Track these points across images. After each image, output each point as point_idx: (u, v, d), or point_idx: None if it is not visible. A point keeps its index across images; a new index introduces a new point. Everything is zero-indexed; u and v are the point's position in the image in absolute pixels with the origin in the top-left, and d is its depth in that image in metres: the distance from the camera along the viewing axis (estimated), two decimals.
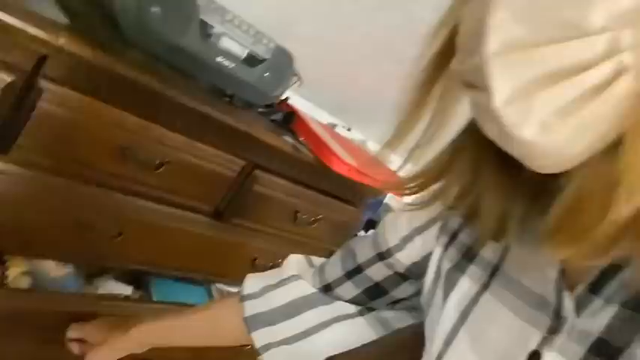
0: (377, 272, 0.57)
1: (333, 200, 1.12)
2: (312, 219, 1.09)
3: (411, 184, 0.45)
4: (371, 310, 0.60)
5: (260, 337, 0.62)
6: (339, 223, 1.17)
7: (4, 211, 0.72)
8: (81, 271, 0.94)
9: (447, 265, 0.48)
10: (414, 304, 0.58)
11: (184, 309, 0.76)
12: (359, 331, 0.61)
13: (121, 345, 0.69)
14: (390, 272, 0.56)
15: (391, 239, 0.56)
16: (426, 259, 0.52)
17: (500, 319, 0.41)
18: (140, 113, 0.75)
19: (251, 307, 0.63)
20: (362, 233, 1.62)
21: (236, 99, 0.92)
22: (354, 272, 0.59)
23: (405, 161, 0.43)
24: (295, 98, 1.18)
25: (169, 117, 0.79)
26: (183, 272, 1.02)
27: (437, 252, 0.50)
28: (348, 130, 1.69)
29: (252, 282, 0.66)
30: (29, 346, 0.77)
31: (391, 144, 0.41)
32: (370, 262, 0.57)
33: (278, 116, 1.03)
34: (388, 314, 0.60)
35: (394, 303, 0.59)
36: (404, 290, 0.57)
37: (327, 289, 0.61)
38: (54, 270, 0.88)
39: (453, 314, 0.44)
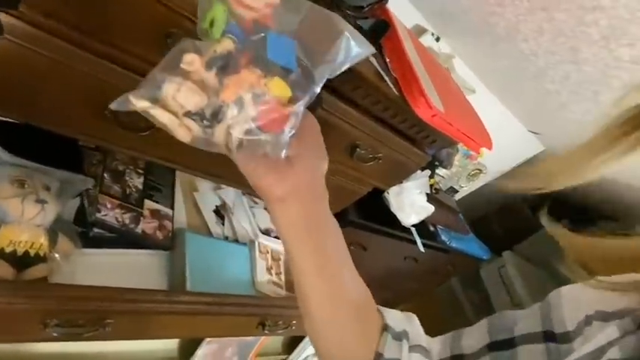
0: (531, 354, 0.43)
1: (401, 140, 0.93)
2: (371, 156, 0.92)
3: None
4: None
5: None
6: (397, 164, 1.00)
7: (16, 76, 0.58)
8: None
9: None
10: None
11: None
12: None
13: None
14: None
15: (571, 320, 0.42)
16: (592, 356, 0.38)
17: None
18: None
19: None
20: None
21: None
22: (501, 345, 0.45)
23: None
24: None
25: None
26: (212, 178, 0.90)
27: (613, 353, 0.37)
28: (437, 39, 1.43)
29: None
30: None
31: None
32: (529, 339, 0.44)
33: (366, 23, 0.80)
34: None
35: None
36: None
37: None
38: None
39: None
